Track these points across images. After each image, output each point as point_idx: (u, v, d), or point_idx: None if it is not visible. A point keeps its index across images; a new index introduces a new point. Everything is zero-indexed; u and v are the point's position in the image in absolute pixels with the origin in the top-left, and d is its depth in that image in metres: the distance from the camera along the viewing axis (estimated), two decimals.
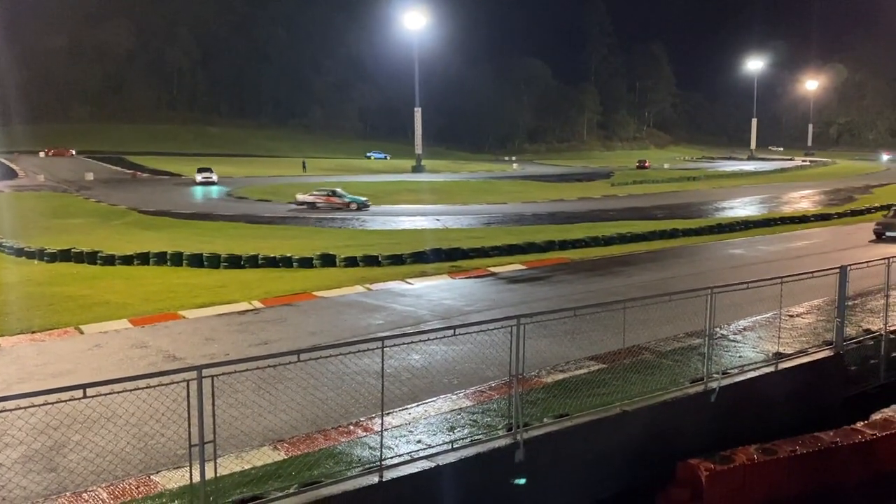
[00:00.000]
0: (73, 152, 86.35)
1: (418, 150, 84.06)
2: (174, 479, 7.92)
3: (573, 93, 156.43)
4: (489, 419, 9.39)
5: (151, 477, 8.09)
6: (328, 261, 22.45)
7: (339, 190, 45.00)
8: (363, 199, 44.83)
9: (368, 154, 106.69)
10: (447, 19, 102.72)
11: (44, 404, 7.17)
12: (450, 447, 8.17)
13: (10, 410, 7.17)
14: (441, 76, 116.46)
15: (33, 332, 14.61)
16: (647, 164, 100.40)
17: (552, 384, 10.87)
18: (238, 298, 17.64)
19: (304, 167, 74.41)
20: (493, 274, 21.25)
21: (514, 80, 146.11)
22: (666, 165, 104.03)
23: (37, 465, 8.57)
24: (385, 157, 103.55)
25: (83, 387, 6.13)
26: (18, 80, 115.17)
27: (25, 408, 7.34)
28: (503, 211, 43.92)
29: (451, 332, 8.78)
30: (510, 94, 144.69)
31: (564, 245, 25.90)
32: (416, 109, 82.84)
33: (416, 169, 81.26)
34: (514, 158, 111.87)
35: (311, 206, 43.12)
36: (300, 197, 44.23)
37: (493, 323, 9.13)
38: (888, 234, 27.04)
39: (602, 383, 10.39)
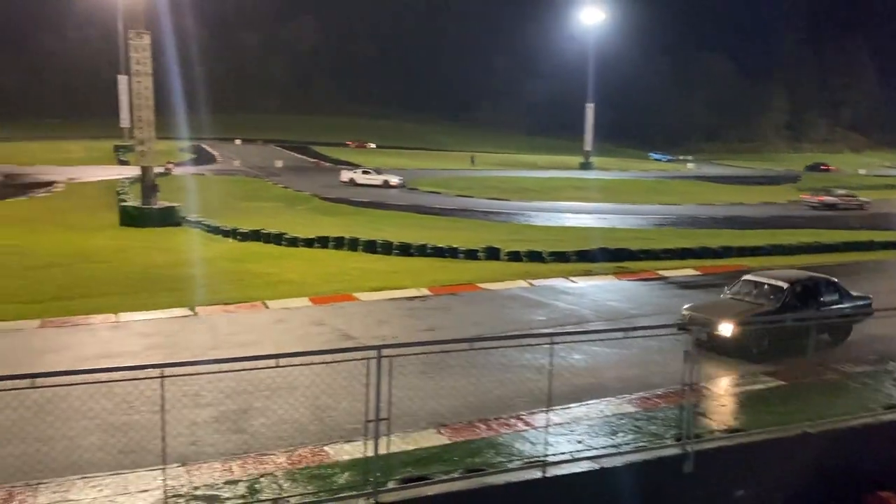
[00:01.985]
0: (373, 145, 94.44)
1: (587, 146, 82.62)
2: (345, 452, 8.36)
3: (756, 90, 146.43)
4: (655, 427, 9.08)
5: (324, 447, 8.58)
6: (492, 254, 22.66)
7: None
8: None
9: (651, 155, 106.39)
10: (623, 13, 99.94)
11: (231, 371, 7.84)
12: (615, 450, 7.99)
13: (204, 374, 7.92)
14: (614, 71, 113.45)
15: (226, 304, 15.96)
16: (829, 168, 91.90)
17: (724, 397, 10.31)
18: (407, 285, 18.26)
19: (472, 161, 75.58)
20: (662, 277, 20.48)
21: (692, 75, 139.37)
22: (862, 171, 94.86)
23: (225, 425, 9.36)
24: (667, 159, 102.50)
25: (276, 356, 6.59)
26: (217, 73, 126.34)
27: (215, 373, 8.09)
28: (676, 212, 42.15)
29: (620, 334, 8.56)
30: (687, 90, 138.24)
31: (743, 252, 24.41)
32: (587, 105, 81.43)
33: (585, 166, 79.90)
34: (689, 158, 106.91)
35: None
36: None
37: (661, 329, 8.83)
38: None
39: (780, 401, 9.72)
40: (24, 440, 7.98)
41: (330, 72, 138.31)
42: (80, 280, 18.08)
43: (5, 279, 17.91)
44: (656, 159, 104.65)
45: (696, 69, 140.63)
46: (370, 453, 6.98)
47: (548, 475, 7.48)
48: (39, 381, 6.19)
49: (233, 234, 26.14)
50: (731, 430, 8.63)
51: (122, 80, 53.86)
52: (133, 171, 39.92)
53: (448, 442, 8.82)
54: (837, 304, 13.83)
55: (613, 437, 8.73)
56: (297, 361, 7.03)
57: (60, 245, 23.41)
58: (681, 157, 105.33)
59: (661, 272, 20.86)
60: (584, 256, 22.45)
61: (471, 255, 22.74)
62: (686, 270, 21.41)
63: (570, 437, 8.79)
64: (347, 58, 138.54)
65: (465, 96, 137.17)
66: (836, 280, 14.36)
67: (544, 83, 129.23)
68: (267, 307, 16.00)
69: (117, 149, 65.10)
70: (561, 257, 22.41)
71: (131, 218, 28.88)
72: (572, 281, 19.41)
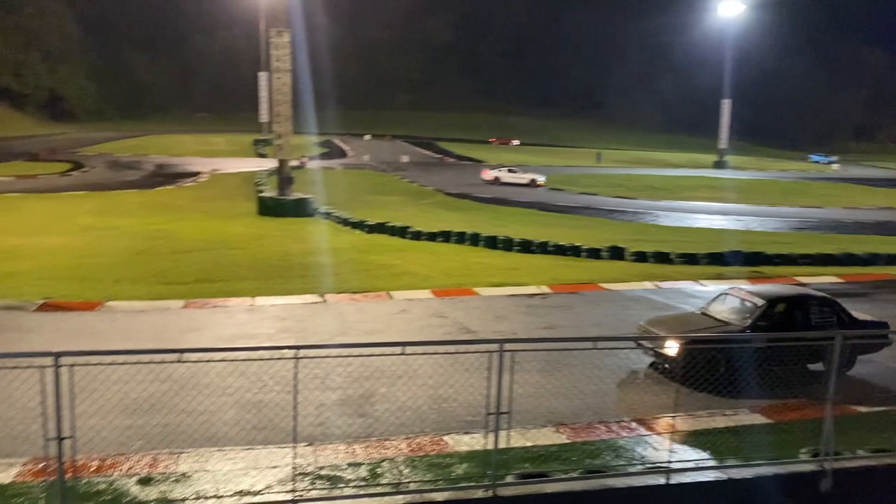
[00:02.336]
0: (517, 142, 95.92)
1: (722, 144, 78.94)
2: (464, 443, 8.45)
3: None
4: (785, 439, 8.57)
5: (444, 437, 8.71)
6: (616, 253, 22.14)
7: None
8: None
9: (812, 157, 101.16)
10: (765, 5, 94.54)
11: (359, 356, 8.10)
12: (744, 461, 7.61)
13: (333, 358, 8.23)
14: (753, 66, 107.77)
15: (353, 293, 16.53)
16: None
17: (869, 414, 9.58)
18: (528, 282, 18.19)
19: (598, 158, 74.12)
20: (800, 285, 19.28)
21: (841, 70, 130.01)
22: None
23: (350, 409, 9.69)
24: (828, 161, 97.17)
25: (403, 344, 6.75)
26: (351, 70, 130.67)
27: (344, 357, 8.39)
28: (817, 216, 39.57)
29: (761, 342, 8.14)
30: (834, 85, 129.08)
31: (893, 260, 22.59)
32: (723, 101, 77.81)
33: (719, 164, 76.43)
34: (833, 158, 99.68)
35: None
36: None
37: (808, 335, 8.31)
38: None
39: None
40: (171, 411, 8.61)
41: (460, 69, 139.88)
42: (221, 265, 19.27)
43: (156, 262, 19.38)
44: (816, 161, 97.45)
45: (845, 62, 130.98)
46: (489, 446, 7.01)
47: (671, 482, 7.24)
48: (185, 356, 6.65)
49: (360, 225, 27.01)
50: (877, 450, 8.00)
51: (263, 76, 56.89)
52: (271, 164, 42.05)
53: (567, 441, 8.73)
54: (834, 328, 11.08)
55: (741, 447, 8.33)
56: (420, 350, 7.17)
57: (203, 231, 25.04)
58: (835, 158, 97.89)
59: (799, 279, 19.64)
60: (715, 259, 21.51)
61: (594, 253, 22.33)
62: (827, 278, 20.05)
63: (695, 445, 8.46)
64: (478, 54, 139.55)
65: (594, 92, 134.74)
66: (835, 300, 12.06)
67: (678, 78, 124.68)
68: (391, 297, 16.42)
69: (256, 142, 68.75)
70: (690, 259, 21.58)
71: (268, 208, 30.45)
72: (702, 284, 18.64)
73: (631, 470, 7.53)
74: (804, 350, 9.36)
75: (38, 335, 12.87)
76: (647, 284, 18.39)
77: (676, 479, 7.32)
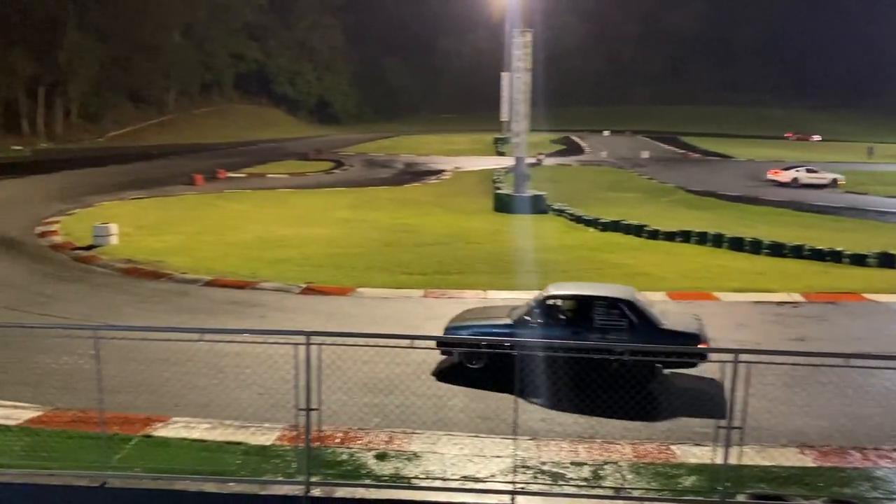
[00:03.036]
0: (818, 137, 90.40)
1: None
2: (692, 455, 8.04)
3: None
4: None
5: (671, 446, 8.35)
6: (887, 261, 19.54)
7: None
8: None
9: None
10: None
11: (586, 356, 7.97)
12: None
13: (559, 355, 8.21)
14: None
15: None
16: None
17: None
18: (776, 288, 16.76)
19: (869, 153, 65.77)
20: None
21: None
22: None
23: (575, 407, 9.63)
24: None
25: (623, 347, 6.57)
26: (593, 65, 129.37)
27: (573, 356, 8.30)
28: None
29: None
30: None
31: None
32: None
33: None
34: None
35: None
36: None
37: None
38: None
39: None
40: (406, 392, 9.21)
41: (708, 59, 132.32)
42: (458, 258, 20.15)
43: (401, 253, 20.79)
44: None
45: None
46: (719, 460, 6.60)
47: None
48: (416, 342, 7.07)
49: (594, 223, 26.66)
50: None
51: (505, 76, 58.47)
52: (509, 162, 43.06)
53: (812, 465, 7.93)
54: (625, 332, 9.88)
55: None
56: (640, 356, 6.94)
57: (444, 226, 26.34)
58: None
59: None
60: None
61: (858, 260, 19.94)
62: None
63: None
64: (727, 44, 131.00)
65: (865, 80, 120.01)
66: (633, 302, 10.26)
67: None
68: None
69: (497, 141, 70.79)
70: None
71: (504, 204, 31.21)
72: None
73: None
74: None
75: (300, 315, 14.44)
76: None
77: None
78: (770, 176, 45.18)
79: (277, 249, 21.27)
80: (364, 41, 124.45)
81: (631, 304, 10.24)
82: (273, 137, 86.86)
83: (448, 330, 10.84)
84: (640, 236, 24.32)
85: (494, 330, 10.42)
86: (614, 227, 25.64)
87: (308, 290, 16.59)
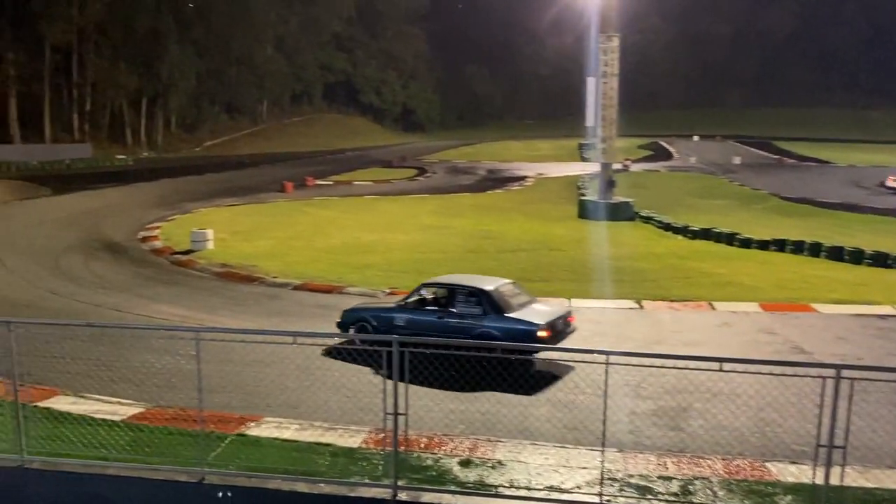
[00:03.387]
0: None
1: None
2: (789, 473, 7.71)
3: None
4: None
5: (766, 464, 8.04)
6: None
7: None
8: None
9: None
10: None
11: (673, 367, 7.82)
12: None
13: (647, 367, 8.07)
14: None
15: (671, 301, 16.01)
16: None
17: None
18: (880, 300, 15.89)
19: None
20: None
21: None
22: None
23: (662, 420, 9.43)
24: None
25: (721, 360, 6.41)
26: (683, 69, 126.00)
27: (658, 367, 8.15)
28: None
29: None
30: None
31: None
32: None
33: None
34: None
35: None
36: None
37: None
38: None
39: None
40: (490, 400, 9.23)
41: (804, 60, 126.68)
42: (541, 265, 20.03)
43: (483, 259, 20.83)
44: None
45: None
46: (819, 481, 6.31)
47: None
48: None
49: (683, 231, 25.99)
50: None
51: (591, 81, 57.90)
52: (593, 168, 42.51)
53: None
54: (477, 317, 11.46)
55: None
56: (741, 368, 6.72)
57: (526, 233, 26.23)
58: None
59: None
60: None
61: None
62: None
63: None
64: (825, 44, 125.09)
65: None
66: (488, 292, 11.68)
67: None
68: (713, 308, 15.56)
69: (581, 146, 69.99)
70: None
71: (588, 211, 30.83)
72: None
73: None
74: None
75: None
76: None
77: None
78: (890, 183, 42.59)
79: (363, 255, 21.71)
80: (447, 49, 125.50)
81: (486, 294, 11.69)
82: (359, 146, 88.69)
83: (346, 312, 12.79)
84: (732, 245, 23.56)
85: (382, 312, 12.41)
86: (705, 234, 24.93)
87: (393, 295, 16.81)
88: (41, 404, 9.32)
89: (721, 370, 6.43)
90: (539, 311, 11.75)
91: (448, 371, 8.84)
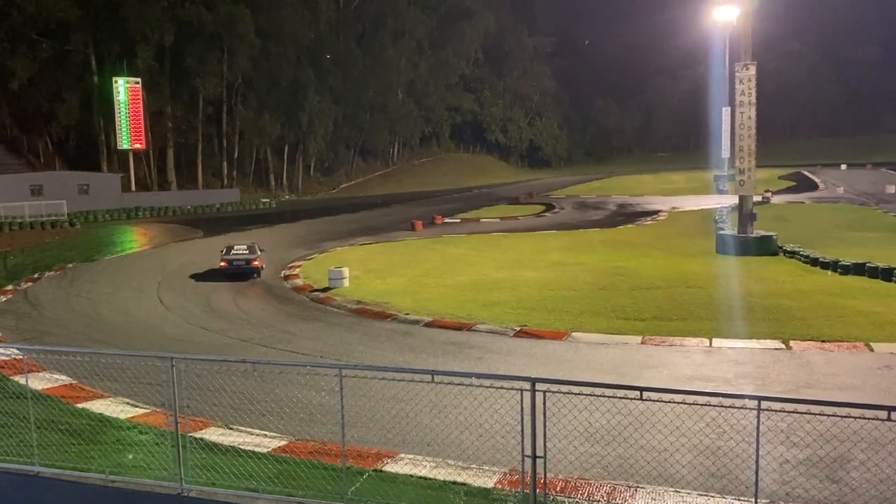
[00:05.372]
0: None
1: None
2: None
3: None
4: None
5: None
6: None
7: None
8: None
9: None
10: None
11: (832, 415, 7.25)
12: None
13: (801, 413, 7.52)
14: None
15: (822, 341, 14.92)
16: None
17: None
18: None
19: None
20: None
21: None
22: None
23: (819, 471, 8.74)
24: None
25: (889, 409, 5.90)
26: (827, 95, 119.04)
27: (815, 414, 7.58)
28: None
29: None
30: None
31: None
32: None
33: None
34: None
35: None
36: None
37: None
38: None
39: None
40: (626, 443, 8.91)
41: None
42: (678, 303, 19.26)
43: (616, 297, 20.33)
44: None
45: None
46: None
47: None
48: (646, 393, 6.83)
49: (832, 266, 24.23)
50: None
51: (725, 111, 55.78)
52: (731, 200, 40.70)
53: None
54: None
55: None
56: None
57: (661, 269, 25.38)
58: None
59: None
60: None
61: None
62: None
63: None
64: None
65: None
66: (255, 246, 26.77)
67: None
68: (871, 349, 14.35)
69: (716, 178, 67.31)
70: None
71: (727, 246, 29.43)
72: None
73: None
74: None
75: (516, 358, 14.61)
76: None
77: None
78: None
79: (492, 292, 21.78)
80: (574, 84, 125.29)
81: (255, 247, 26.40)
82: (486, 183, 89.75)
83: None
84: (890, 281, 21.70)
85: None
86: (857, 270, 23.13)
87: (522, 333, 16.74)
88: (195, 434, 9.94)
89: (889, 419, 5.91)
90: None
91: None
